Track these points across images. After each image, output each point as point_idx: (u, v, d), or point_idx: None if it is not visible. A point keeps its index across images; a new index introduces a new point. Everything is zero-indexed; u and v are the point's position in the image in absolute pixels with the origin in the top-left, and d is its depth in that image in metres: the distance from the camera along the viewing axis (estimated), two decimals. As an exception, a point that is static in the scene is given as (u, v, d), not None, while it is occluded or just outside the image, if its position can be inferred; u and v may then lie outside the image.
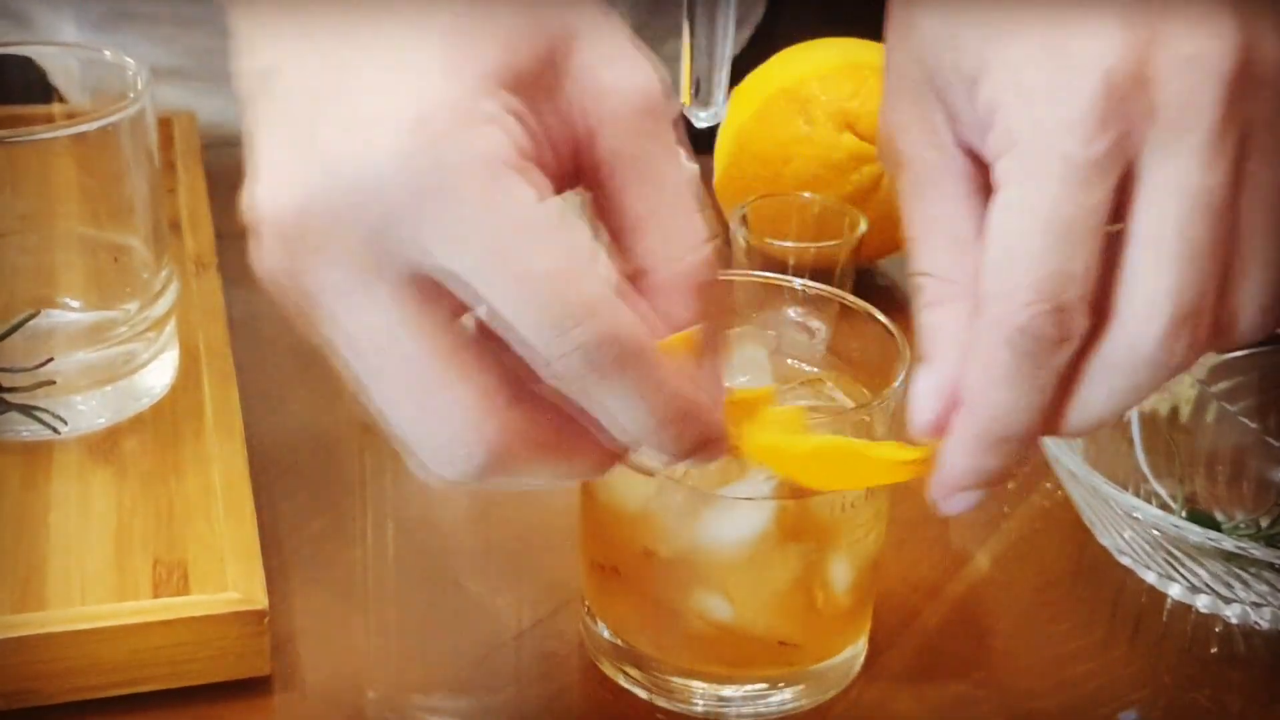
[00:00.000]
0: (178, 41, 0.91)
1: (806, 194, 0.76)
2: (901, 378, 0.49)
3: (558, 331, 0.35)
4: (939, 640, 0.57)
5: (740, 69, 0.79)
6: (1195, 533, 0.53)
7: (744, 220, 0.73)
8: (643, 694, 0.52)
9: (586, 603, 0.54)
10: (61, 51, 0.67)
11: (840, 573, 0.51)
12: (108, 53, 0.64)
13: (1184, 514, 0.61)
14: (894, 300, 0.81)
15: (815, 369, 0.54)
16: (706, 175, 0.88)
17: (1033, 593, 0.60)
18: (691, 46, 0.62)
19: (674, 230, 0.39)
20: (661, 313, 0.39)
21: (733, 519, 0.48)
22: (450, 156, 0.34)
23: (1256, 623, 0.57)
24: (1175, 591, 0.59)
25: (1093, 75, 0.38)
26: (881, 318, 0.52)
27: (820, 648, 0.52)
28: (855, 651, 0.54)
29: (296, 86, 0.37)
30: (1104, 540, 0.60)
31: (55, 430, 0.61)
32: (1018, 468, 0.42)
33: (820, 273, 0.71)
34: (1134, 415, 0.63)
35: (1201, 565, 0.55)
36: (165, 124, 0.85)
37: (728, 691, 0.52)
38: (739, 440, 0.42)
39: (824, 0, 0.97)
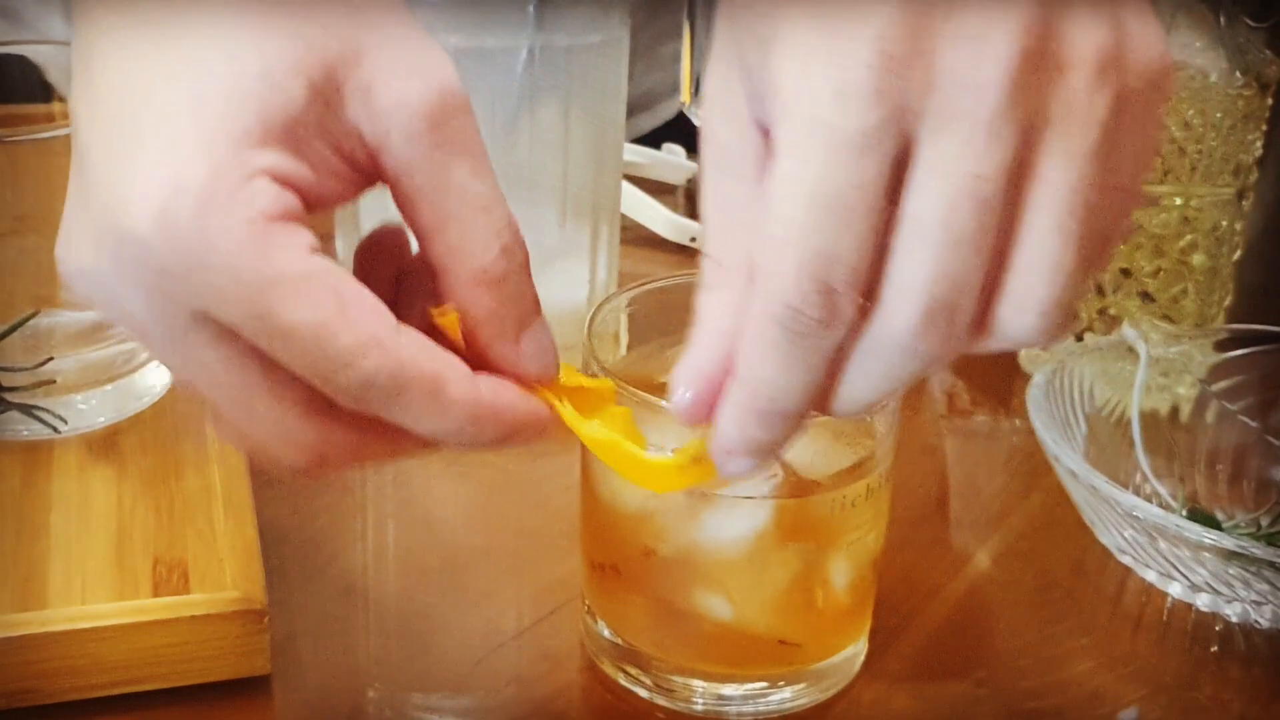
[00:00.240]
0: None
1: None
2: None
3: (326, 377, 0.37)
4: (939, 639, 0.57)
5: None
6: (1196, 532, 0.53)
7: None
8: (643, 693, 0.52)
9: (587, 602, 0.54)
10: (57, 50, 0.67)
11: (840, 571, 0.51)
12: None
13: (1184, 513, 0.61)
14: (894, 299, 0.81)
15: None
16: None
17: (1033, 592, 0.59)
18: (691, 46, 0.62)
19: (465, 231, 0.40)
20: (462, 308, 0.41)
21: (733, 518, 0.48)
22: (211, 220, 0.36)
23: (1257, 621, 0.57)
24: (1176, 590, 0.59)
25: (868, 44, 0.36)
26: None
27: (820, 647, 0.52)
28: (855, 650, 0.54)
29: (89, 143, 0.38)
30: (1104, 539, 0.60)
31: (55, 429, 0.61)
32: (786, 439, 0.41)
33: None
34: (1135, 415, 0.63)
35: (1202, 564, 0.55)
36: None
37: (728, 690, 0.52)
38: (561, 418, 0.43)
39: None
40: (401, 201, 0.41)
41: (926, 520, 0.64)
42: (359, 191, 0.41)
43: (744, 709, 0.52)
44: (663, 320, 0.55)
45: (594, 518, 0.52)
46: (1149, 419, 0.64)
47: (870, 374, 0.39)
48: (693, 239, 0.85)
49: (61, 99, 0.66)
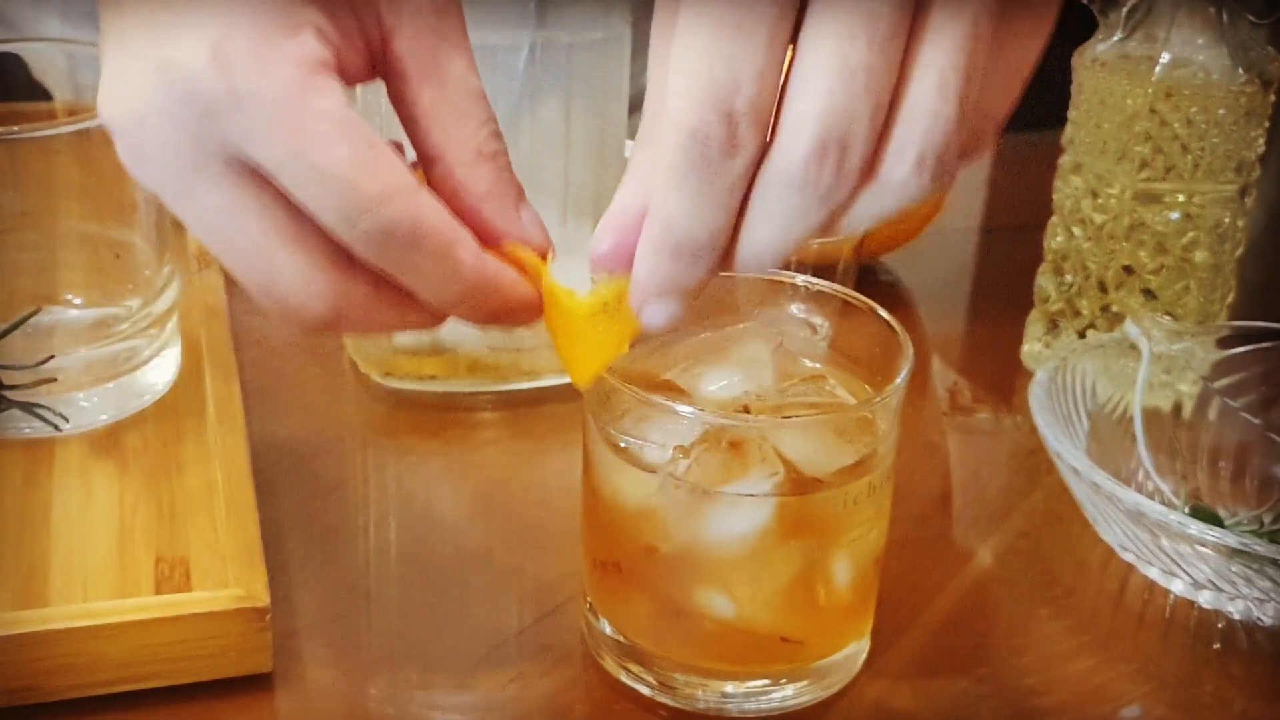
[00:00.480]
0: None
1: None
2: (904, 374, 0.49)
3: (352, 221, 0.40)
4: (941, 636, 0.56)
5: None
6: (1198, 529, 0.53)
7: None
8: (645, 690, 0.52)
9: (589, 599, 0.54)
10: (49, 47, 0.67)
11: (842, 569, 0.51)
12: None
13: (1187, 510, 0.61)
14: (896, 297, 0.81)
15: (818, 365, 0.54)
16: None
17: (1035, 589, 0.59)
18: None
19: (463, 115, 0.44)
20: (455, 191, 0.44)
21: (735, 515, 0.48)
22: (261, 57, 0.39)
23: (1259, 619, 0.57)
24: (1178, 588, 0.59)
25: None
26: (884, 314, 0.52)
27: (823, 644, 0.52)
28: (858, 648, 0.54)
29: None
30: (1107, 537, 0.60)
31: (56, 428, 0.61)
32: (702, 280, 0.42)
33: (823, 269, 0.71)
34: (1137, 412, 0.63)
35: (1204, 561, 0.55)
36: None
37: (730, 688, 0.52)
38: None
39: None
40: (403, 92, 0.43)
41: (929, 518, 0.64)
42: (366, 77, 0.43)
43: (746, 706, 0.52)
44: (664, 317, 0.55)
45: (596, 515, 0.52)
46: (1151, 416, 0.64)
47: (771, 216, 0.40)
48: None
49: (49, 97, 0.66)
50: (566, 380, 0.69)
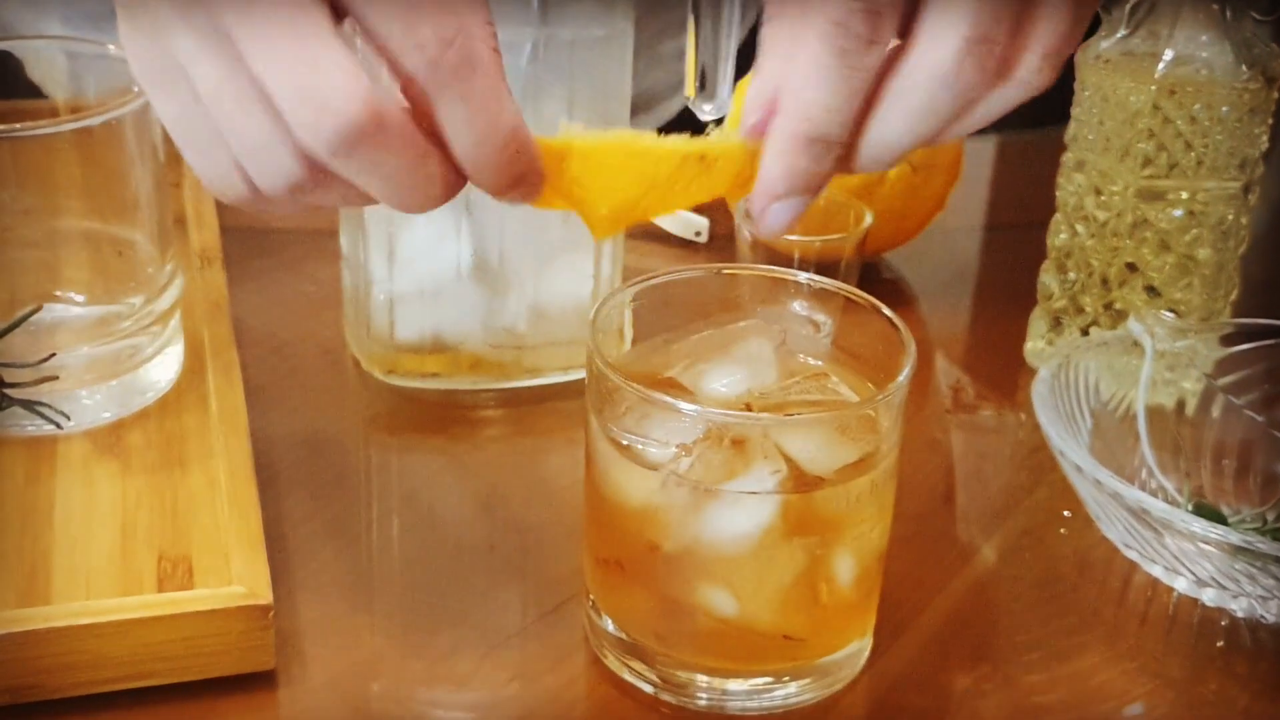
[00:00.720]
0: None
1: (811, 187, 0.76)
2: (907, 371, 0.49)
3: (414, 41, 0.40)
4: (944, 634, 0.56)
5: (739, 62, 0.79)
6: (1202, 527, 0.53)
7: (749, 214, 0.73)
8: (647, 688, 0.52)
9: (591, 597, 0.54)
10: (49, 46, 0.67)
11: (845, 567, 0.51)
12: (111, 47, 0.64)
13: (1190, 508, 0.61)
14: (899, 294, 0.81)
15: (820, 363, 0.54)
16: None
17: (1038, 587, 0.59)
18: (696, 39, 0.61)
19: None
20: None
21: (737, 513, 0.48)
22: None
23: (1263, 616, 0.57)
24: (1181, 585, 0.59)
25: None
26: (887, 312, 0.52)
27: (825, 642, 0.52)
28: (860, 645, 0.54)
29: None
30: (1110, 534, 0.60)
31: (58, 425, 0.61)
32: (826, 177, 0.45)
33: (825, 267, 0.71)
34: (1140, 409, 0.63)
35: (1208, 559, 0.55)
36: (170, 118, 0.85)
37: (732, 685, 0.52)
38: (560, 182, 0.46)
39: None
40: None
41: (931, 515, 0.64)
42: None
43: (748, 704, 0.52)
44: (667, 315, 0.55)
45: (599, 513, 0.52)
46: (1155, 413, 0.64)
47: (908, 111, 0.43)
48: (697, 233, 0.85)
49: (43, 96, 0.66)
50: (569, 378, 0.70)
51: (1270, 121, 0.68)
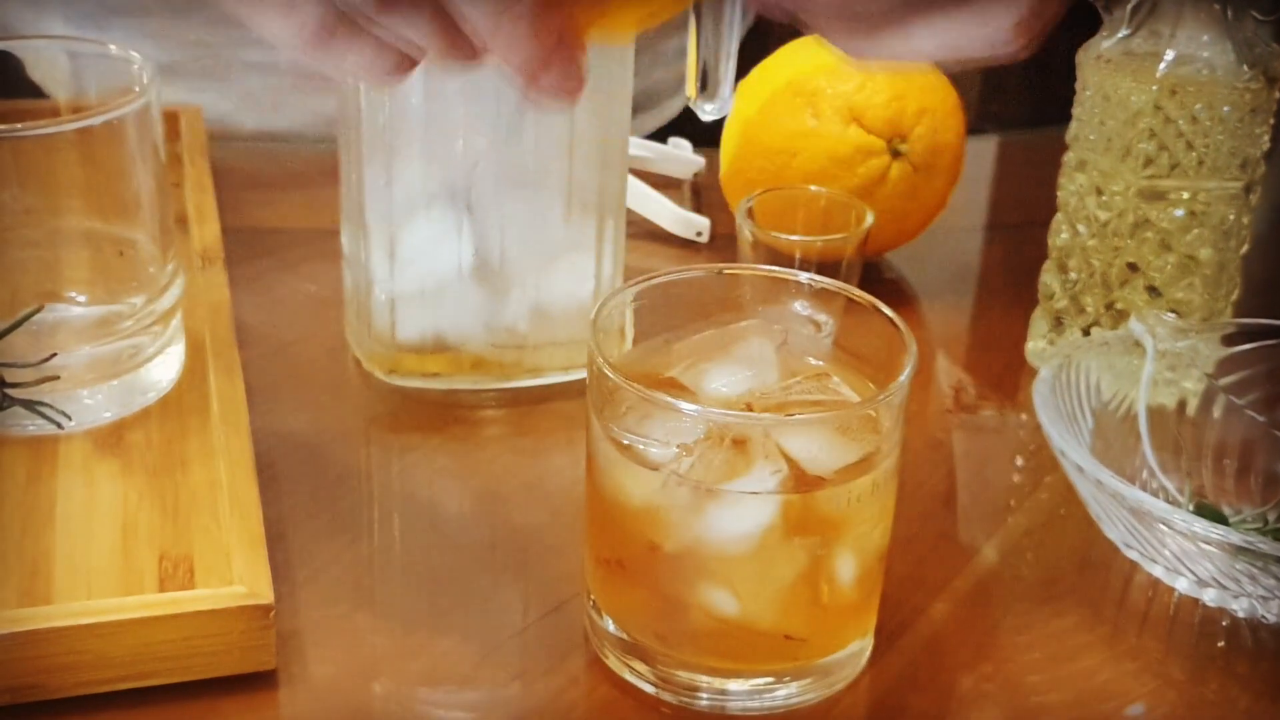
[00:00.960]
0: (169, 36, 0.91)
1: (813, 187, 0.76)
2: (908, 371, 0.49)
3: None
4: (945, 634, 0.56)
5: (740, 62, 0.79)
6: (1202, 527, 0.53)
7: (750, 214, 0.73)
8: (648, 688, 0.52)
9: (592, 597, 0.54)
10: (50, 45, 0.67)
11: (846, 566, 0.51)
12: (113, 47, 0.64)
13: (1191, 508, 0.61)
14: (901, 294, 0.81)
15: (822, 363, 0.54)
16: (713, 168, 0.88)
17: (1039, 587, 0.59)
18: (697, 39, 0.61)
19: None
20: None
21: (738, 513, 0.48)
22: None
23: (1264, 617, 0.57)
24: (1182, 585, 0.59)
25: None
26: (888, 311, 0.52)
27: (826, 642, 0.52)
28: (861, 645, 0.54)
29: None
30: (1111, 534, 0.60)
31: (59, 425, 0.61)
32: None
33: (827, 266, 0.71)
34: (1142, 409, 0.63)
35: (1209, 559, 0.55)
36: (172, 118, 0.85)
37: (733, 685, 0.52)
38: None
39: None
40: None
41: (932, 515, 0.64)
42: None
43: (749, 704, 0.52)
44: (668, 315, 0.55)
45: (599, 512, 0.52)
46: (1156, 413, 0.64)
47: None
48: (699, 233, 0.85)
49: (44, 96, 0.66)
50: (570, 378, 0.69)
51: (1272, 121, 0.68)
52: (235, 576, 0.52)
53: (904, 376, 0.49)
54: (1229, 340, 0.65)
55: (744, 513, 0.48)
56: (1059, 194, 0.72)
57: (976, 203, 0.94)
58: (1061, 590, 0.59)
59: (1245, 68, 0.65)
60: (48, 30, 0.91)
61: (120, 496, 0.59)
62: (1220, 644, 0.57)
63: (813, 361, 0.54)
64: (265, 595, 0.51)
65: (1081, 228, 0.70)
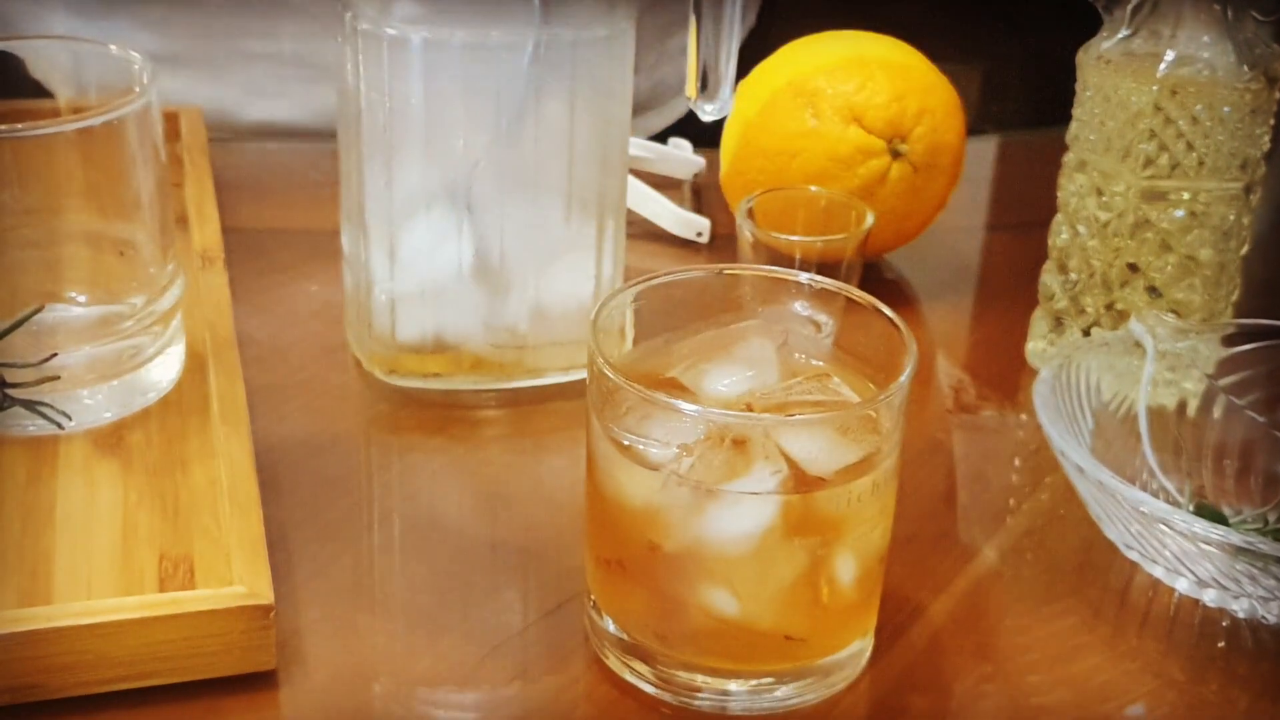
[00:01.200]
0: (170, 25, 0.91)
1: (813, 188, 0.76)
2: (908, 372, 0.49)
3: None
4: (945, 635, 0.56)
5: (740, 62, 0.79)
6: (1202, 527, 0.53)
7: (750, 214, 0.73)
8: (648, 688, 0.52)
9: (592, 597, 0.54)
10: (50, 44, 0.67)
11: (846, 567, 0.51)
12: (113, 47, 0.64)
13: (1191, 508, 0.61)
14: (901, 294, 0.81)
15: (822, 363, 0.54)
16: (713, 169, 0.88)
17: (1040, 587, 0.59)
18: (698, 39, 0.61)
19: None
20: None
21: (738, 514, 0.48)
22: None
23: (1264, 617, 0.57)
24: (1182, 586, 0.59)
25: None
26: (888, 312, 0.52)
27: (826, 642, 0.52)
28: (862, 646, 0.54)
29: None
30: (1111, 535, 0.60)
31: (60, 425, 0.61)
32: None
33: (827, 267, 0.71)
34: (1142, 410, 0.63)
35: (1209, 560, 0.55)
36: (172, 118, 0.85)
37: (733, 685, 0.52)
38: None
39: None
40: None
41: (932, 515, 0.64)
42: None
43: (749, 704, 0.52)
44: (668, 315, 0.55)
45: (600, 513, 0.52)
46: (1156, 414, 0.64)
47: None
48: (699, 234, 0.85)
49: (48, 95, 0.66)
50: (570, 378, 0.69)
51: (1272, 122, 0.68)
52: (235, 576, 0.52)
53: (904, 377, 0.49)
54: (1229, 341, 0.65)
55: (744, 513, 0.48)
56: (1059, 194, 0.72)
57: (977, 203, 0.94)
58: (1061, 591, 0.59)
59: (1245, 68, 0.65)
60: (49, 20, 0.91)
61: (120, 497, 0.59)
62: (1220, 644, 0.57)
63: (813, 362, 0.54)
64: (265, 595, 0.51)
65: (1082, 228, 0.70)
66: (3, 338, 0.59)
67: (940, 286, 0.83)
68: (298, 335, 0.73)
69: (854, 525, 0.50)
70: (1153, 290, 0.69)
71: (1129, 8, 0.67)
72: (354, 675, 0.53)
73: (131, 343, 0.63)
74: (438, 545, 0.60)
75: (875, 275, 0.83)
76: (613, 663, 0.53)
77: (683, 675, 0.52)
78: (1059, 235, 0.72)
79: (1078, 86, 0.70)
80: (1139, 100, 0.66)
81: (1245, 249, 0.70)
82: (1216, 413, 0.65)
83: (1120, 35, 0.67)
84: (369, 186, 0.65)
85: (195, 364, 0.67)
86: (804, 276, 0.55)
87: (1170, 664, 0.56)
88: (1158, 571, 0.59)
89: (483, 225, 0.66)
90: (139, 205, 0.63)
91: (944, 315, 0.81)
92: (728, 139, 0.82)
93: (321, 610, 0.55)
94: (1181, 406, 0.65)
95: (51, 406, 0.60)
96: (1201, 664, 0.56)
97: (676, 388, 0.51)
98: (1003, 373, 0.75)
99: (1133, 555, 0.60)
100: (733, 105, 0.68)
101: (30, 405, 0.60)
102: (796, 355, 0.54)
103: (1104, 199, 0.69)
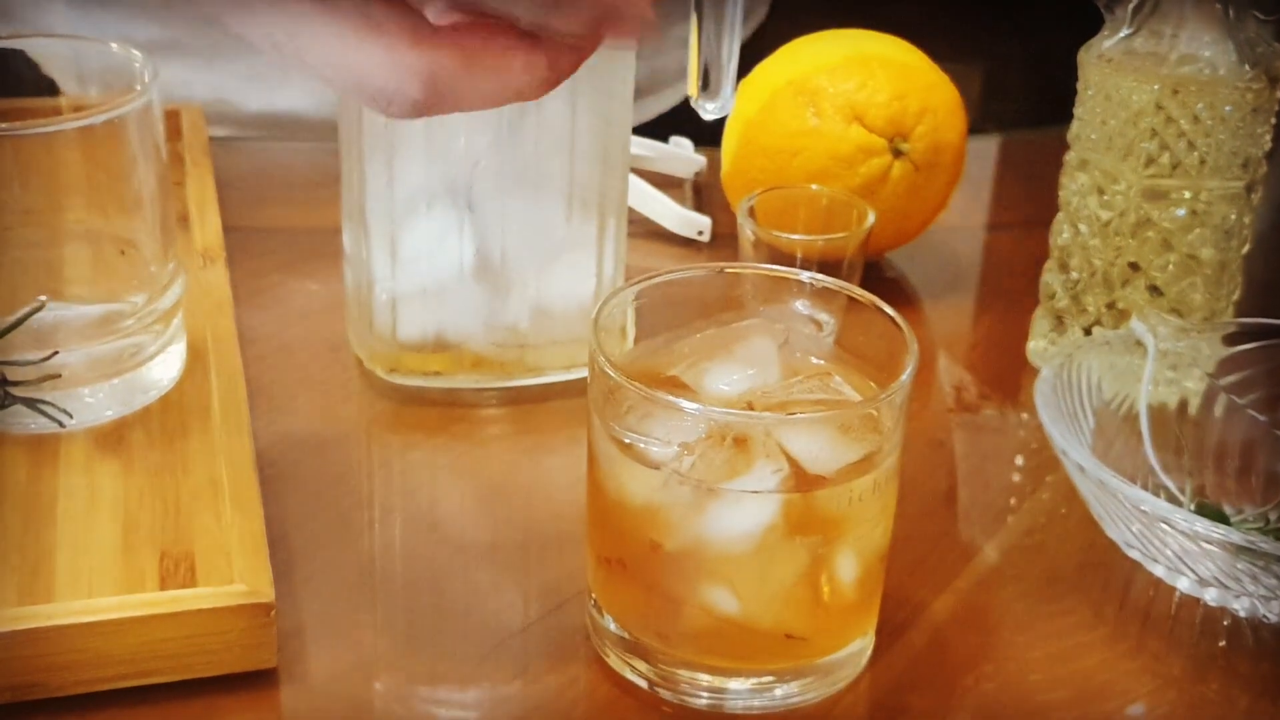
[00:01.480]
0: (172, 13, 0.91)
1: (814, 186, 0.76)
2: (909, 370, 0.49)
3: None
4: (946, 633, 0.56)
5: (741, 61, 0.79)
6: (1203, 526, 0.53)
7: (751, 213, 0.73)
8: (649, 687, 0.52)
9: (593, 596, 0.54)
10: (56, 42, 0.67)
11: (847, 566, 0.51)
12: (114, 45, 0.64)
13: (1192, 507, 0.61)
14: (902, 293, 0.81)
15: (823, 362, 0.54)
16: (714, 167, 0.88)
17: (1041, 586, 0.59)
18: (700, 37, 0.61)
19: None
20: None
21: (739, 512, 0.48)
22: None
23: (1265, 616, 0.57)
24: (1184, 585, 0.59)
25: None
26: (889, 311, 0.52)
27: (827, 641, 0.52)
28: (862, 644, 0.54)
29: None
30: (1112, 534, 0.60)
31: (61, 424, 0.61)
32: None
33: (828, 265, 0.71)
34: (1143, 409, 0.63)
35: (1210, 559, 0.55)
36: (173, 116, 0.85)
37: (734, 684, 0.52)
38: None
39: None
40: None
41: (933, 514, 0.64)
42: None
43: (750, 703, 0.52)
44: (670, 314, 0.55)
45: (600, 512, 0.52)
46: (1157, 413, 0.64)
47: None
48: (700, 232, 0.85)
49: (62, 92, 0.66)
50: (571, 377, 0.69)
51: (1273, 121, 0.68)
52: (236, 575, 0.52)
53: (905, 376, 0.49)
54: (1230, 340, 0.65)
55: (745, 512, 0.48)
56: (1060, 193, 0.72)
57: (978, 202, 0.94)
58: (1062, 590, 0.59)
59: (1247, 67, 0.65)
60: (49, 10, 0.91)
61: (121, 495, 0.59)
62: (1221, 643, 0.57)
63: (814, 360, 0.54)
64: (266, 593, 0.51)
65: (1083, 227, 0.70)
66: (4, 336, 0.59)
67: (941, 285, 0.83)
68: (299, 334, 0.73)
69: (855, 524, 0.50)
70: (1154, 289, 0.69)
71: (1130, 7, 0.67)
72: (355, 673, 0.53)
73: (132, 341, 0.63)
74: (438, 543, 0.60)
75: (876, 274, 0.83)
76: (613, 661, 0.53)
77: (683, 674, 0.52)
78: (1060, 234, 0.72)
79: (1079, 85, 0.70)
80: (1140, 99, 0.66)
81: (1246, 248, 0.70)
82: (1218, 412, 0.65)
83: (1122, 34, 0.67)
84: (370, 185, 0.64)
85: (196, 362, 0.67)
86: (805, 275, 0.55)
87: (1171, 663, 0.56)
88: (1159, 570, 0.59)
89: (484, 224, 0.66)
90: (140, 203, 0.63)
91: (945, 314, 0.81)
92: (729, 138, 0.82)
93: (322, 608, 0.55)
94: (1183, 405, 0.65)
95: (52, 405, 0.60)
96: (1202, 663, 0.56)
97: (678, 386, 0.51)
98: (1004, 372, 0.75)
99: (1134, 554, 0.60)
100: (734, 104, 0.68)
101: (31, 403, 0.60)
102: (798, 354, 0.54)
103: (1105, 198, 0.69)
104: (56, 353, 0.60)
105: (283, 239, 0.81)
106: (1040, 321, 0.74)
